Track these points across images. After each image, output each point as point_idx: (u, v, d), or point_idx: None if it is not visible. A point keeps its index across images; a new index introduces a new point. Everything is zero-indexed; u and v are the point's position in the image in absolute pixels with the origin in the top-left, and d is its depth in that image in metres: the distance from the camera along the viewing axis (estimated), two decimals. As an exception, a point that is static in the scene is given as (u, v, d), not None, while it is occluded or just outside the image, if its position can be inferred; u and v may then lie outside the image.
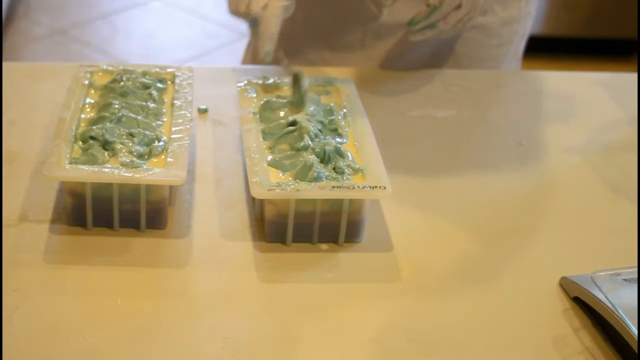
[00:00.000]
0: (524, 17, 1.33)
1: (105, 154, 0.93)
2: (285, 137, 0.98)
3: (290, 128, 0.98)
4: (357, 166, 0.95)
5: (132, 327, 0.82)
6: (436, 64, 1.31)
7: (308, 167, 0.92)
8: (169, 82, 1.08)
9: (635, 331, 0.80)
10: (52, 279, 0.87)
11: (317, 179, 0.91)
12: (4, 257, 0.89)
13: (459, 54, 1.31)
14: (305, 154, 0.94)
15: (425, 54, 1.29)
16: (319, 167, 0.92)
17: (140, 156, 0.93)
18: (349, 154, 0.96)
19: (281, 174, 0.93)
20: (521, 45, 1.39)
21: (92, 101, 1.02)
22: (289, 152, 0.95)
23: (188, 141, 0.96)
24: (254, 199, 0.96)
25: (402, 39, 1.27)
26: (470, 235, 0.98)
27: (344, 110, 1.05)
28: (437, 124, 1.18)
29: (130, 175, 0.90)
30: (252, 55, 1.40)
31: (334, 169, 0.94)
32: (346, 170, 0.94)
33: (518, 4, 1.30)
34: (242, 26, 1.46)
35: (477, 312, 0.88)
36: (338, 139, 0.99)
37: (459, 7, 1.13)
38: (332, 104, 1.05)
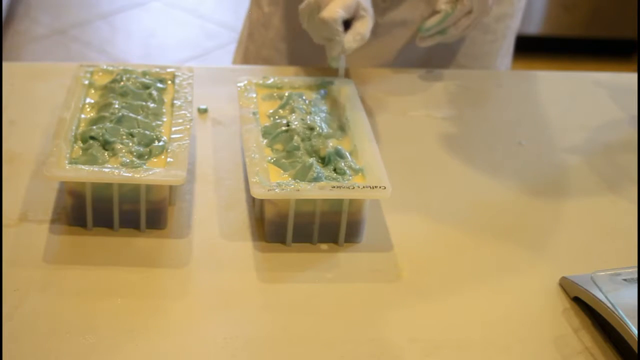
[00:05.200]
0: (516, 12, 1.34)
1: (105, 154, 0.93)
2: (279, 136, 0.98)
3: (284, 128, 0.99)
4: (358, 166, 0.95)
5: (132, 327, 0.82)
6: (432, 62, 1.31)
7: (307, 167, 0.92)
8: (169, 82, 1.08)
9: (635, 331, 0.80)
10: (52, 279, 0.87)
11: (316, 179, 0.91)
12: (4, 257, 0.89)
13: (454, 51, 1.32)
14: (298, 153, 0.95)
15: (421, 51, 1.29)
16: (318, 168, 0.92)
17: (140, 156, 0.93)
18: (347, 154, 0.96)
19: (283, 173, 0.93)
20: (513, 39, 1.39)
21: (92, 101, 1.03)
22: (283, 152, 0.96)
23: (188, 141, 0.96)
24: (254, 199, 0.96)
25: (398, 37, 1.27)
26: (470, 235, 0.98)
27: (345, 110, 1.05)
28: (437, 124, 1.18)
29: (130, 175, 0.90)
30: (243, 56, 1.40)
31: (334, 170, 0.94)
32: (347, 172, 0.94)
33: (511, 0, 1.30)
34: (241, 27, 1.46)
35: (477, 312, 0.88)
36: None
37: (469, 12, 1.13)
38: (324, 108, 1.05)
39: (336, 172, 0.93)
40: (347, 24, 1.06)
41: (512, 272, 0.93)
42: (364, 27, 1.06)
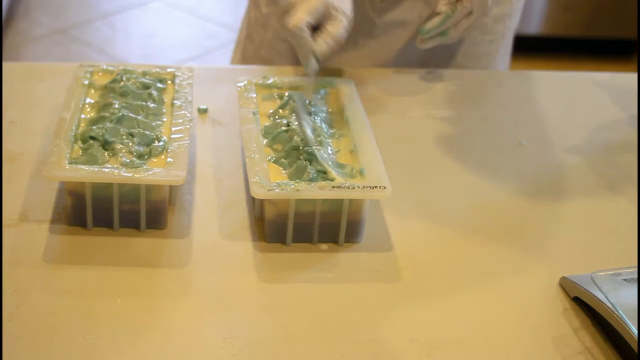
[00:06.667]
0: (515, 11, 1.34)
1: (105, 154, 0.93)
2: (279, 136, 0.98)
3: (284, 128, 0.99)
4: (332, 166, 0.94)
5: (132, 327, 0.82)
6: (431, 62, 1.31)
7: (302, 168, 0.92)
8: (169, 82, 1.08)
9: (635, 331, 0.80)
10: (52, 279, 0.87)
11: (312, 179, 0.91)
12: (4, 257, 0.89)
13: (453, 51, 1.32)
14: (296, 153, 0.95)
15: (420, 51, 1.29)
16: (312, 169, 0.92)
17: (140, 156, 0.93)
18: (324, 157, 0.95)
19: (283, 173, 0.93)
20: (511, 39, 1.39)
21: (92, 101, 1.03)
22: (283, 152, 0.96)
23: (188, 141, 0.96)
24: (254, 199, 0.96)
25: (397, 38, 1.27)
26: (470, 235, 0.98)
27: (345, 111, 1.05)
28: (437, 124, 1.18)
29: (130, 175, 0.90)
30: (241, 56, 1.40)
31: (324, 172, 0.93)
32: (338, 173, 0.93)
33: (510, 0, 1.30)
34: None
35: (477, 312, 0.88)
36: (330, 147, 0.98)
37: (470, 13, 1.13)
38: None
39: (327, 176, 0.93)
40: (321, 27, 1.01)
41: (512, 272, 0.93)
42: (335, 28, 0.99)
